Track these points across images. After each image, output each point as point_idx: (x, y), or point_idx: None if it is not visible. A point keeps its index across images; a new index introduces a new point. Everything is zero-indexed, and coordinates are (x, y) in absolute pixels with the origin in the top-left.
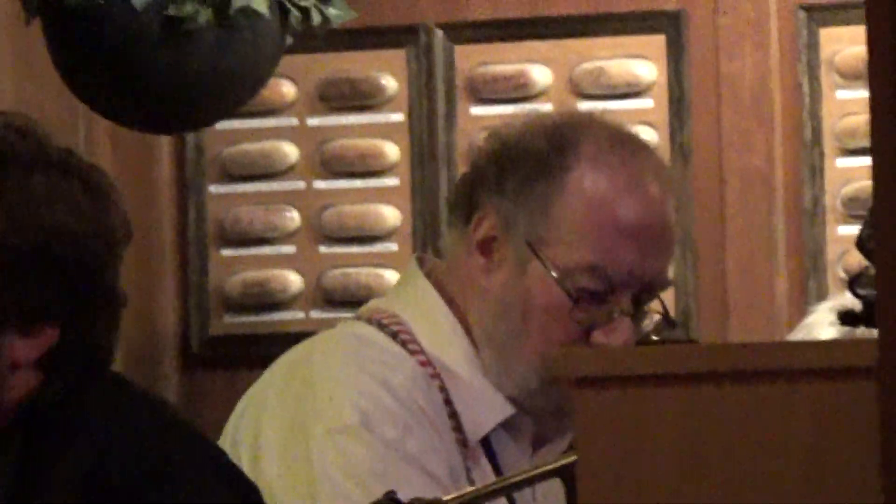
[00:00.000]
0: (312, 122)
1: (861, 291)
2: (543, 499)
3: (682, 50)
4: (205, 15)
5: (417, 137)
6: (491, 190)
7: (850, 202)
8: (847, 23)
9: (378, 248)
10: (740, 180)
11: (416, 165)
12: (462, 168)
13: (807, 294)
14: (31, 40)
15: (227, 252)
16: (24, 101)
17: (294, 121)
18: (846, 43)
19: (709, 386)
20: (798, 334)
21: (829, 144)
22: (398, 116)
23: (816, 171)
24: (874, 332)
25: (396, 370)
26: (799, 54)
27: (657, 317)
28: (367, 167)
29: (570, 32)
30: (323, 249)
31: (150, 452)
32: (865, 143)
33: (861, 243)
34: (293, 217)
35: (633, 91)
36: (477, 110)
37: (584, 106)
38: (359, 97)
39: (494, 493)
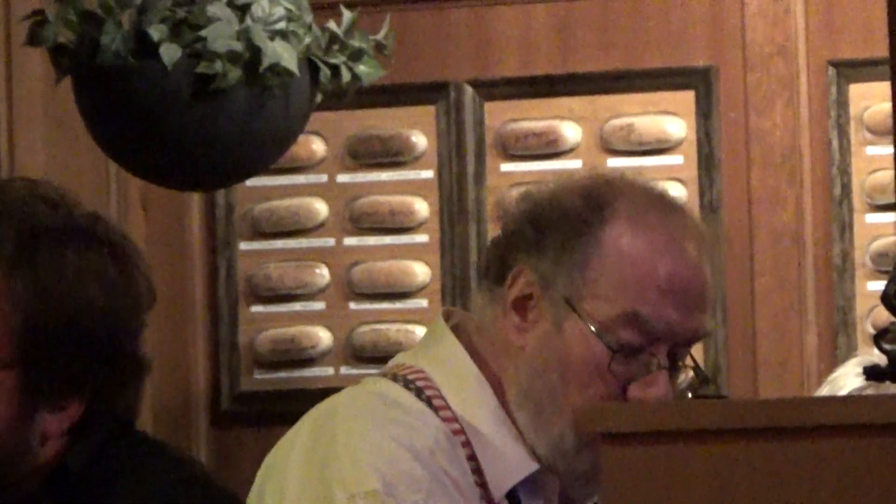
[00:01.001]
0: (342, 178)
1: (887, 346)
2: None
3: (712, 106)
4: (235, 73)
5: (447, 194)
6: (528, 249)
7: (880, 258)
8: (877, 79)
9: (408, 304)
10: (770, 236)
11: (445, 222)
12: (491, 225)
13: (836, 349)
14: (63, 100)
15: (257, 309)
16: (55, 161)
17: (324, 177)
18: (876, 99)
19: (738, 442)
20: (824, 389)
21: (858, 200)
22: (428, 173)
23: (846, 227)
24: None
25: (420, 432)
26: (828, 110)
27: (691, 373)
28: (397, 224)
29: (599, 89)
30: (353, 306)
31: None
32: (894, 198)
33: (887, 299)
34: (323, 273)
35: (662, 147)
36: (507, 167)
37: (614, 162)
38: (388, 154)
39: None
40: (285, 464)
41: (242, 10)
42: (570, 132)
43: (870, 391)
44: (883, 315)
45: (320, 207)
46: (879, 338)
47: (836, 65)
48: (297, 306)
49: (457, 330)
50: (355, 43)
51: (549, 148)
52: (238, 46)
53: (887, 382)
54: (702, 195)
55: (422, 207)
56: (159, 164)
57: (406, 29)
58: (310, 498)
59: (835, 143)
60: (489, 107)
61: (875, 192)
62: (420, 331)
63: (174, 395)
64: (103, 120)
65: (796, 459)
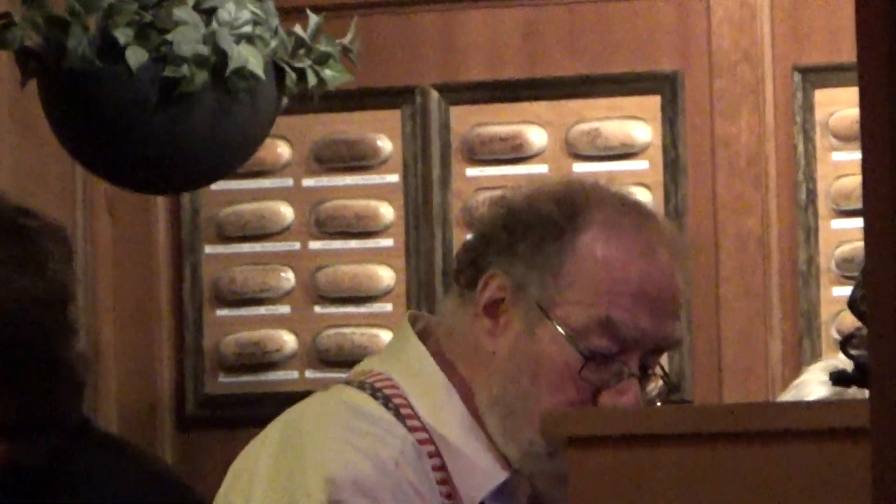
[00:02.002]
0: (308, 182)
1: (853, 352)
2: None
3: (678, 112)
4: (201, 77)
5: (412, 198)
6: (501, 253)
7: (845, 263)
8: (843, 84)
9: (373, 308)
10: (735, 242)
11: (411, 226)
12: (457, 229)
13: (801, 355)
14: (29, 104)
15: (222, 312)
16: (21, 165)
17: (289, 182)
18: (842, 104)
19: (702, 447)
20: (788, 394)
21: (823, 206)
22: (393, 177)
23: (811, 233)
24: (866, 393)
25: (387, 443)
26: (794, 116)
27: (660, 382)
28: (362, 228)
29: (565, 93)
30: (318, 310)
31: None
32: (860, 204)
33: (853, 304)
34: (288, 277)
35: (628, 152)
36: (472, 171)
37: (580, 167)
38: (354, 158)
39: None
40: (253, 470)
41: (209, 14)
42: (536, 137)
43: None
44: (848, 320)
45: (286, 211)
46: (845, 343)
47: (802, 70)
48: (262, 310)
49: (423, 335)
50: (321, 47)
51: (515, 152)
52: (204, 50)
53: (853, 388)
54: (667, 200)
55: (387, 212)
56: (125, 167)
57: (372, 33)
58: None
59: (800, 149)
60: (455, 111)
61: (840, 198)
62: (385, 335)
63: (139, 398)
64: (69, 123)
65: (761, 464)
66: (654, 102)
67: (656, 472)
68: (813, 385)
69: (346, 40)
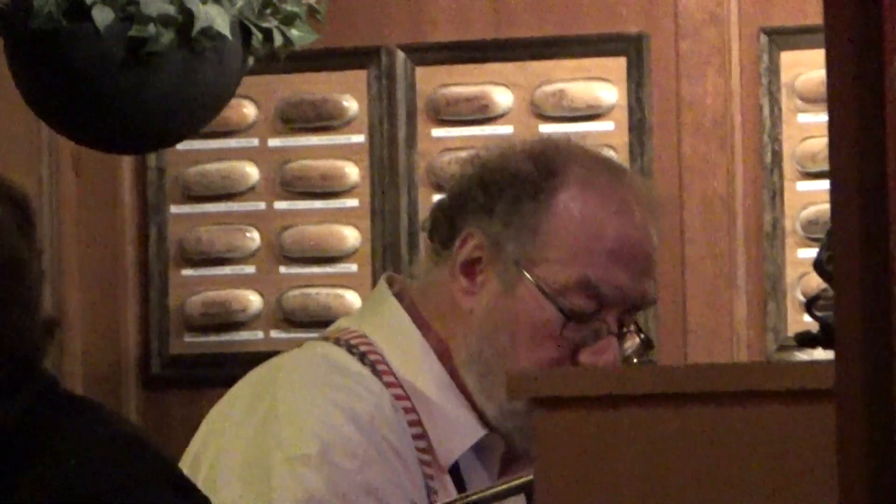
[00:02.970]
0: (273, 143)
1: (818, 313)
2: None
3: (644, 73)
4: (167, 36)
5: (378, 159)
6: (477, 213)
7: (810, 225)
8: (809, 46)
9: (338, 268)
10: (700, 203)
11: (376, 187)
12: (423, 189)
13: (766, 316)
14: None
15: (187, 272)
16: None
17: (255, 142)
18: (808, 67)
19: (666, 407)
20: None
21: (789, 168)
22: (359, 138)
23: (776, 195)
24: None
25: (362, 398)
26: (760, 78)
27: (636, 339)
28: (328, 188)
29: (532, 55)
30: (283, 270)
31: (101, 470)
32: (825, 166)
33: (819, 265)
34: (253, 237)
35: (594, 114)
36: (438, 132)
37: (545, 128)
38: (320, 118)
39: None
40: (224, 424)
41: None
42: (502, 98)
43: None
44: (813, 283)
45: (251, 171)
46: (811, 304)
47: (769, 32)
48: (227, 270)
49: (399, 296)
50: (288, 7)
51: (481, 113)
52: (171, 10)
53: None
54: (633, 161)
55: (352, 172)
56: (91, 127)
57: None
58: (247, 459)
59: (766, 111)
60: (421, 72)
61: (806, 160)
62: (351, 295)
63: (104, 358)
64: (36, 83)
65: (726, 425)
66: (619, 64)
67: (621, 433)
68: None
69: (313, 0)
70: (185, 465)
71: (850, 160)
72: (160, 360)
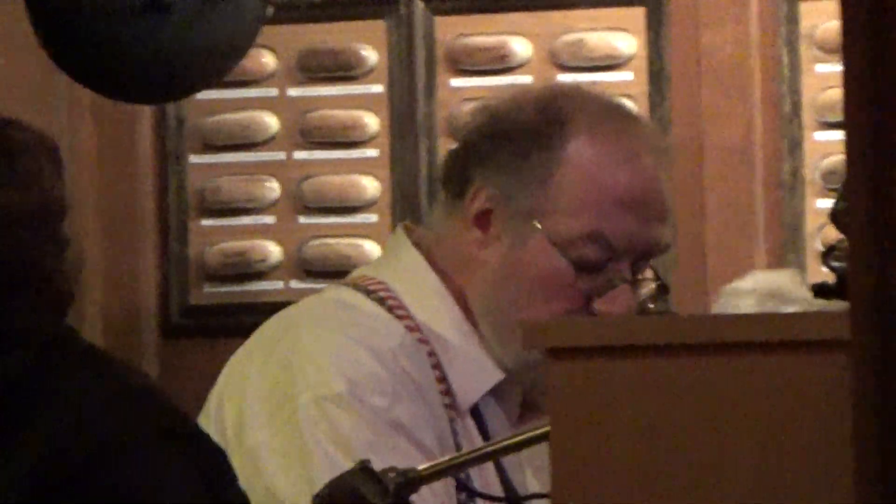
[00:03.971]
0: (293, 92)
1: (835, 264)
2: (530, 463)
3: (662, 23)
4: None
5: (397, 109)
6: (485, 164)
7: (829, 175)
8: None
9: (357, 218)
10: (719, 154)
11: (395, 137)
12: (442, 140)
13: (785, 267)
14: (13, 11)
15: (207, 222)
16: (5, 72)
17: (274, 91)
18: (826, 17)
19: (681, 357)
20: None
21: (808, 118)
22: (378, 88)
23: (795, 145)
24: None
25: (383, 336)
26: (779, 28)
27: (652, 286)
28: (347, 138)
29: (550, 4)
30: (302, 220)
31: (106, 425)
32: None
33: (835, 216)
34: (273, 187)
35: (613, 63)
36: (457, 82)
37: (564, 78)
38: (339, 68)
39: (479, 459)
40: (246, 370)
41: None
42: (521, 47)
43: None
44: (832, 233)
45: (271, 121)
46: (827, 255)
47: None
48: (247, 220)
49: (416, 245)
50: None
51: (500, 63)
52: None
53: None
54: (652, 111)
55: (372, 122)
56: (109, 76)
57: None
58: (273, 400)
59: (785, 61)
60: (439, 21)
61: (825, 110)
62: (370, 245)
63: (123, 308)
64: (54, 31)
65: (740, 375)
66: (638, 13)
67: (636, 383)
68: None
69: None
70: (208, 414)
71: (863, 110)
72: (179, 309)
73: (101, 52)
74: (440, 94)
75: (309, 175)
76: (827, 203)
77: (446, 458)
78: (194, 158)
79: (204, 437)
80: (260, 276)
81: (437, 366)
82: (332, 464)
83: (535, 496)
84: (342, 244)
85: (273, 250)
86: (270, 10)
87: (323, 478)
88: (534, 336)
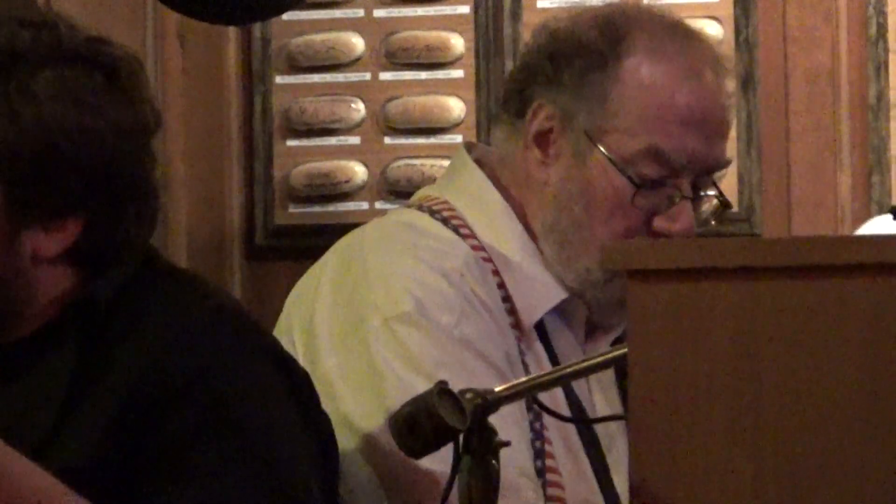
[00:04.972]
0: (378, 13)
1: None
2: (597, 384)
3: None
4: None
5: (483, 29)
6: (546, 83)
7: None
8: None
9: (442, 139)
10: (805, 76)
11: (481, 57)
12: None
13: (870, 189)
14: None
15: (292, 143)
16: None
17: (360, 12)
18: None
19: (764, 280)
20: None
21: (893, 40)
22: (464, 8)
23: (881, 67)
24: None
25: (449, 256)
26: None
27: (714, 202)
28: (433, 59)
29: None
30: (388, 141)
31: (203, 343)
32: None
33: None
34: (358, 108)
35: None
36: (543, 2)
37: None
38: None
39: (557, 381)
40: (314, 294)
41: None
42: None
43: None
44: None
45: (356, 42)
46: None
47: None
48: (332, 140)
49: (479, 163)
50: None
51: None
52: None
53: None
54: (738, 33)
55: (457, 43)
56: None
57: None
58: (342, 325)
59: None
60: None
61: None
62: None
63: (209, 229)
64: None
65: (822, 298)
66: None
67: (716, 305)
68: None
69: None
70: (278, 334)
71: None
72: (264, 230)
73: None
74: (526, 15)
75: (394, 96)
76: None
77: (524, 378)
78: (280, 79)
79: (293, 360)
80: (345, 196)
81: (501, 285)
82: (403, 384)
83: (613, 418)
84: (427, 165)
85: (358, 171)
86: None
87: (395, 399)
88: (615, 257)
